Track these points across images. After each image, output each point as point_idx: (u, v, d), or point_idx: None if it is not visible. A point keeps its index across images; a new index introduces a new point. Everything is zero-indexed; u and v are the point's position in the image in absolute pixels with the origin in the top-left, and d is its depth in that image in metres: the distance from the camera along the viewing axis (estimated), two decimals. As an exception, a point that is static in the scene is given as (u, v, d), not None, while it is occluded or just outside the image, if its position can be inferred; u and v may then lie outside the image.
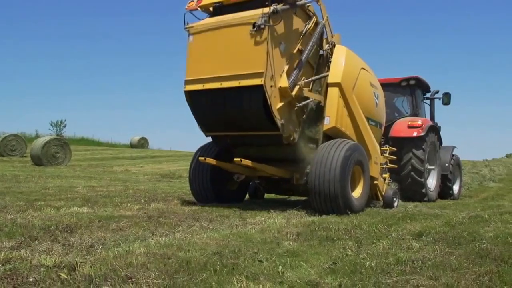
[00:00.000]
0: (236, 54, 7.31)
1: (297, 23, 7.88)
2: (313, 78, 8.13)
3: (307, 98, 7.75)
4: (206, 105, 7.75)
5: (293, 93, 7.37)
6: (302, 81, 7.65)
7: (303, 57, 7.77)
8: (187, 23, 7.86)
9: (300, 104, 7.57)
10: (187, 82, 7.75)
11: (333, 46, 8.50)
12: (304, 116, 7.82)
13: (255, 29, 7.03)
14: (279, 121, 7.19)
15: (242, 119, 7.52)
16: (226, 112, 7.59)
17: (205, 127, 8.08)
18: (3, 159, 27.07)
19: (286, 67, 7.43)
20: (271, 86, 7.11)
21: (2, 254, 3.78)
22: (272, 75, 7.12)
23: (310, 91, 8.00)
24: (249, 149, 8.21)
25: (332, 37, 8.62)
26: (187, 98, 7.79)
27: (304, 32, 7.97)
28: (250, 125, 7.52)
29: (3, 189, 10.13)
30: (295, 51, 7.72)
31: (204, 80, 7.56)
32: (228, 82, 7.32)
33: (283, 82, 7.27)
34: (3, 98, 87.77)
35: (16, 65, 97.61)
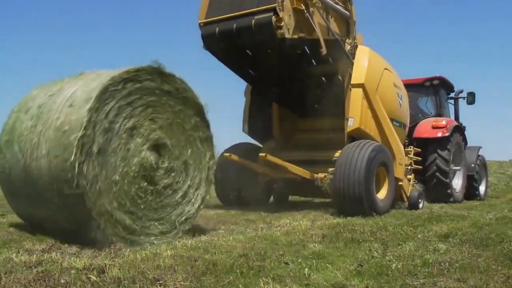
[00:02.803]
0: None
1: None
2: (329, 26, 7.96)
3: (314, 23, 7.49)
4: None
5: None
6: (315, 1, 7.50)
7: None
8: None
9: (305, 13, 7.30)
10: None
11: (356, 47, 8.47)
12: (303, 35, 7.54)
13: None
14: None
15: None
16: None
17: (207, 10, 7.65)
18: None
19: None
20: None
21: (34, 257, 3.86)
22: None
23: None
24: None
25: (355, 38, 8.60)
26: None
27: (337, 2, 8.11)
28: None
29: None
30: None
31: None
32: None
33: None
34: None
35: (41, 73, 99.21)
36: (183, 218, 5.31)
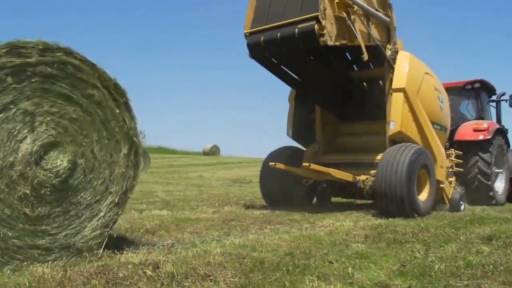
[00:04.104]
0: None
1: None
2: (371, 32, 7.86)
3: (355, 31, 7.42)
4: None
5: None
6: (357, 9, 7.41)
7: (368, 8, 7.74)
8: None
9: (347, 21, 7.26)
10: None
11: (396, 52, 8.36)
12: (345, 41, 7.48)
13: None
14: (323, 3, 6.82)
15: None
16: None
17: (252, 20, 7.66)
18: (91, 166, 28.42)
19: None
20: None
21: (95, 252, 3.98)
22: None
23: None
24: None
25: (395, 43, 8.49)
26: None
27: (378, 9, 8.04)
28: (293, 7, 7.14)
29: (92, 193, 10.64)
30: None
31: None
32: None
33: None
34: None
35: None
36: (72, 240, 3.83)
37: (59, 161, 3.74)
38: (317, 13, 6.78)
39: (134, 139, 4.17)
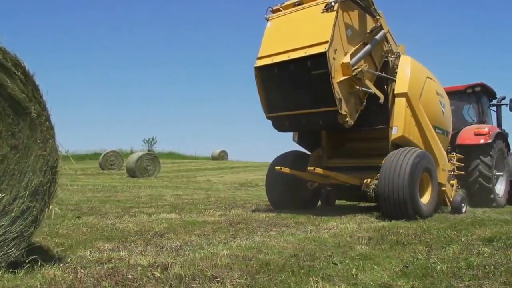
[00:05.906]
0: (306, 30, 7.29)
1: (365, 20, 7.87)
2: (377, 73, 7.91)
3: (368, 88, 7.44)
4: (273, 79, 7.57)
5: (354, 72, 7.08)
6: (365, 68, 7.32)
7: (367, 48, 7.65)
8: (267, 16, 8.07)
9: (361, 89, 7.22)
10: (259, 59, 7.68)
11: (398, 57, 8.31)
12: (362, 107, 7.56)
13: (326, 7, 7.08)
14: (337, 95, 6.87)
15: (305, 91, 7.26)
16: (291, 83, 7.39)
17: (268, 107, 7.79)
18: (104, 172, 28.68)
19: (350, 50, 7.29)
20: (334, 58, 6.94)
21: (105, 255, 4.00)
22: (336, 50, 7.00)
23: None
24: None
25: (396, 47, 8.43)
26: (256, 75, 7.68)
27: (370, 30, 7.92)
28: (310, 99, 7.24)
29: (104, 198, 10.68)
30: (359, 42, 7.62)
31: (273, 55, 7.50)
32: (295, 52, 7.22)
33: (346, 59, 7.12)
34: (105, 120, 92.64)
35: (116, 93, 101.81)
36: None
37: None
38: (336, 108, 6.93)
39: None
